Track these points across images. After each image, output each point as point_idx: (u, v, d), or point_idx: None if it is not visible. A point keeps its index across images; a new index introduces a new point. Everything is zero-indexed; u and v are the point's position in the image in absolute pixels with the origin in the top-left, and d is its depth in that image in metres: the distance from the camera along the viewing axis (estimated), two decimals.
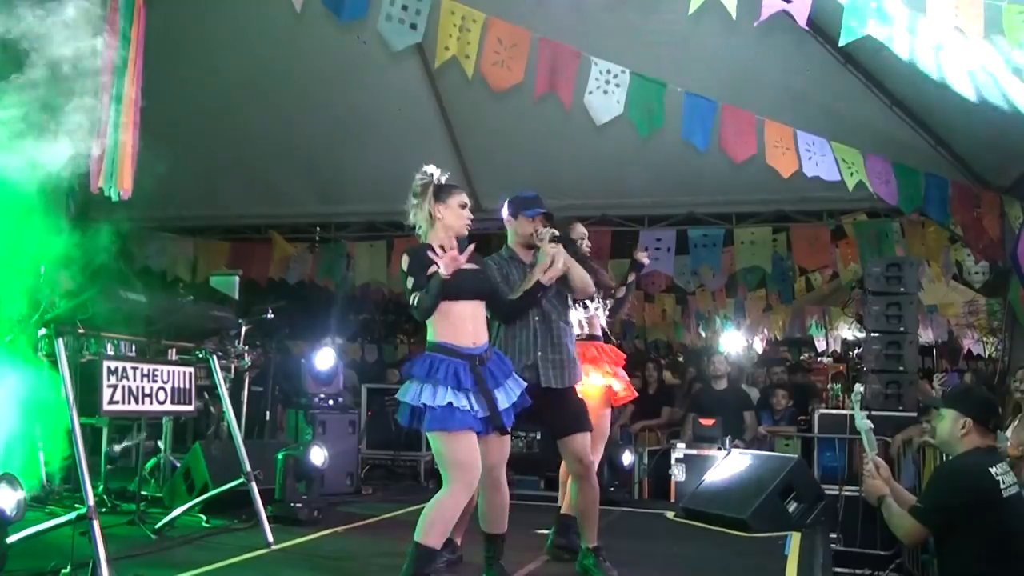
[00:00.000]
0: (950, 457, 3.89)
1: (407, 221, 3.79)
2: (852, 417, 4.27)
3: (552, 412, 4.33)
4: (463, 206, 3.77)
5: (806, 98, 7.03)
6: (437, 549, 3.54)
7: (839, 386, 9.87)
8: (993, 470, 3.66)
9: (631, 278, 5.28)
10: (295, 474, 5.70)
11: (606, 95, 5.76)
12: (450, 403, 3.48)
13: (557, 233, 4.25)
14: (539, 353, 4.32)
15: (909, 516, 3.73)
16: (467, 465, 3.49)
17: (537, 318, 4.34)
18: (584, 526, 4.42)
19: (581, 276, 4.31)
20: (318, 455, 5.83)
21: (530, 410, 3.89)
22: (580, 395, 4.49)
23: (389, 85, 7.91)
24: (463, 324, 3.64)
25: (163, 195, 8.99)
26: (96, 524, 3.75)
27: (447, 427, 3.48)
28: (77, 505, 4.05)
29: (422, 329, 3.78)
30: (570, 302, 4.54)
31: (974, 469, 3.67)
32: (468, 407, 3.52)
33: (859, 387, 4.35)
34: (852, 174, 6.47)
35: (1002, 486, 3.64)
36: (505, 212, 4.48)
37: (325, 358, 7.58)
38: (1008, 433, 5.93)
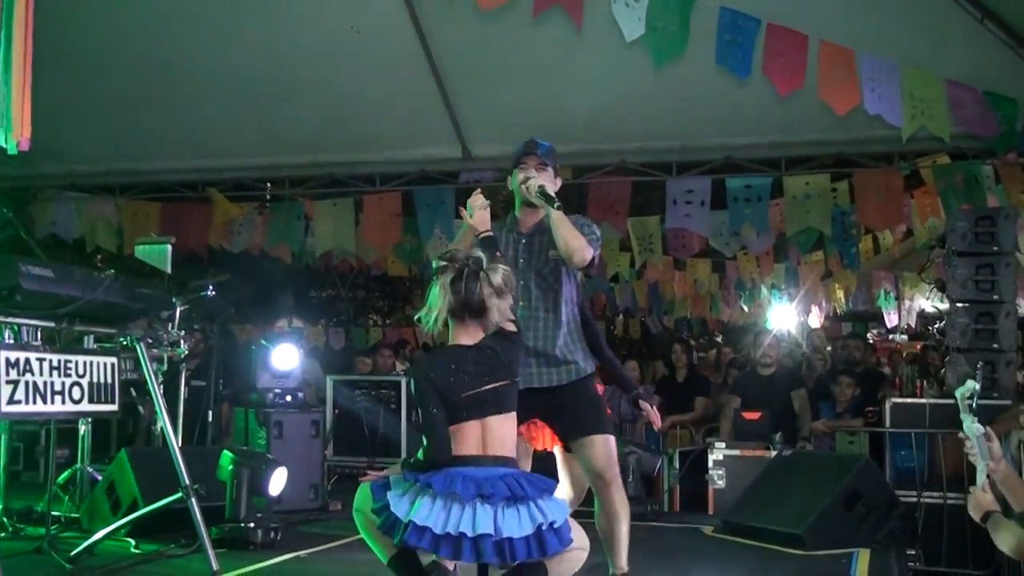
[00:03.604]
0: None
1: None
2: (959, 409, 4.01)
3: (557, 414, 4.29)
4: None
5: (871, 13, 6.96)
6: None
7: (913, 369, 9.85)
8: None
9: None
10: (248, 486, 5.70)
11: (628, 8, 5.70)
12: None
13: (545, 184, 4.14)
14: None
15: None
16: None
17: (523, 303, 4.22)
18: (608, 549, 4.37)
19: (566, 239, 4.07)
20: (278, 478, 5.79)
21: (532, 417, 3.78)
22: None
23: (353, 7, 7.81)
24: None
25: (73, 146, 9.05)
26: None
27: None
28: None
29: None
30: (567, 278, 4.36)
31: None
32: None
33: (972, 384, 4.00)
34: (914, 116, 6.39)
35: None
36: None
37: (285, 356, 7.52)
38: None
